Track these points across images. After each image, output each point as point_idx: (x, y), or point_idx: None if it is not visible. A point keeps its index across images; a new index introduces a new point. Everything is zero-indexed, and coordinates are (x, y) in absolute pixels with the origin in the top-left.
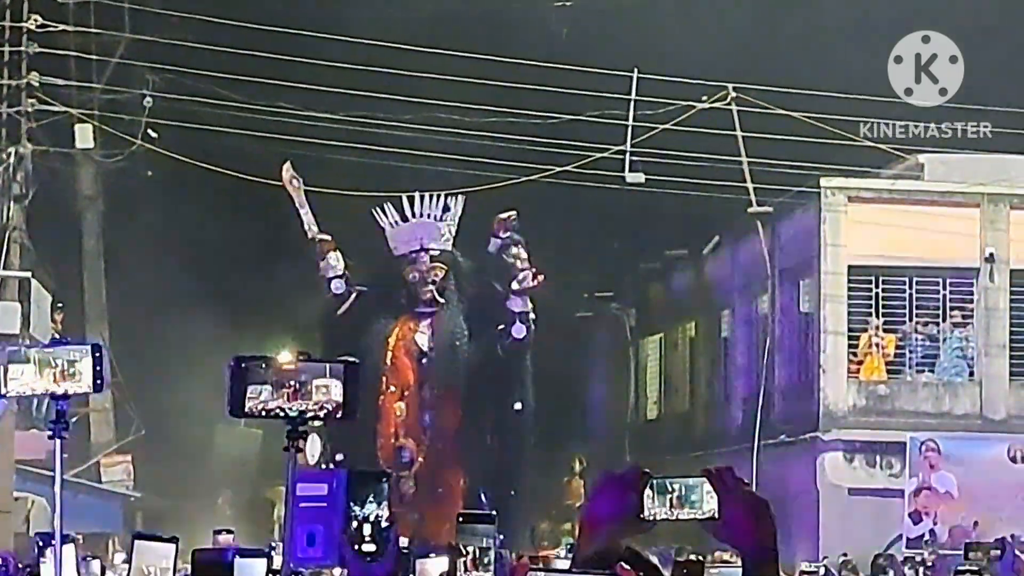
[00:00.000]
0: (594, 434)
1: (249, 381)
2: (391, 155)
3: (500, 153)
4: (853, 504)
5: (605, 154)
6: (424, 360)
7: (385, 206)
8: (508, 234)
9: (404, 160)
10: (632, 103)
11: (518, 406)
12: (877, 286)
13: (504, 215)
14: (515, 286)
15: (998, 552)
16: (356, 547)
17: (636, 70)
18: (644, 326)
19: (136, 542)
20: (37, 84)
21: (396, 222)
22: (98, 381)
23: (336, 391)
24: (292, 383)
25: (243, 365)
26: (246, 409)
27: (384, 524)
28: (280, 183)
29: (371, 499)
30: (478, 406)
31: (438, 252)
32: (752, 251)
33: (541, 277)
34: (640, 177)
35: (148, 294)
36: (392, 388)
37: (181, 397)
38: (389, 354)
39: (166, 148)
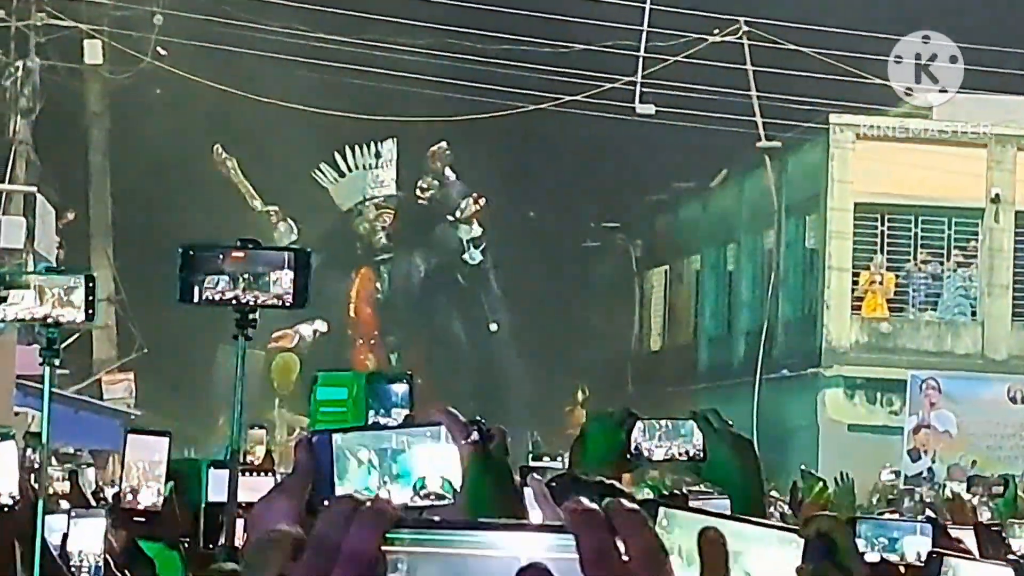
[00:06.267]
0: (597, 364)
1: (203, 271)
2: (396, 79)
3: (511, 81)
4: (852, 440)
5: (616, 84)
6: (384, 306)
7: (322, 166)
8: (442, 165)
9: (408, 84)
10: (644, 34)
11: (494, 327)
12: (883, 224)
13: (435, 147)
14: (458, 214)
15: (1000, 488)
16: None
17: (649, 1)
18: (650, 257)
19: (129, 436)
20: None
21: (335, 179)
22: (89, 311)
23: (288, 281)
24: (247, 275)
25: (192, 253)
26: (200, 298)
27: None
28: (288, 103)
29: (390, 402)
30: (451, 336)
31: (382, 199)
32: (759, 186)
33: (483, 200)
34: (650, 109)
35: (153, 211)
36: (360, 340)
37: (184, 316)
38: (352, 307)
39: (175, 66)
